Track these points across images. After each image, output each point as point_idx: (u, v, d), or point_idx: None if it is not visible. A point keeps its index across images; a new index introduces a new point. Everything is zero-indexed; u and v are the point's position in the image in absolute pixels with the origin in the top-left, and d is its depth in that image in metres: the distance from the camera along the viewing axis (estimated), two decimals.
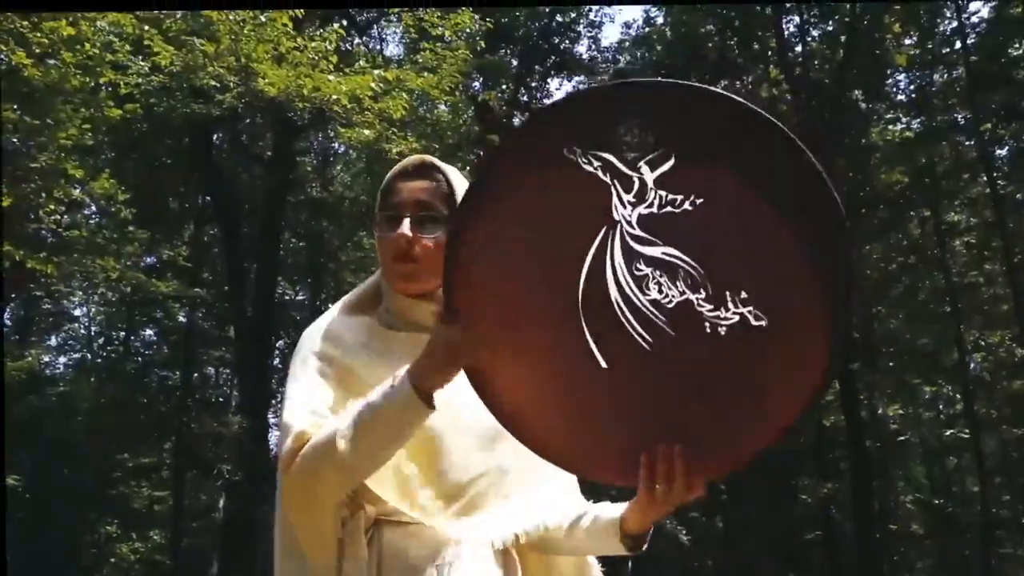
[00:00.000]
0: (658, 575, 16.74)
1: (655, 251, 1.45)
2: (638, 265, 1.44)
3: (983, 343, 16.19)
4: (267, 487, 12.31)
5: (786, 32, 15.14)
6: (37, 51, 8.43)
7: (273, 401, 13.93)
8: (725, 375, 1.44)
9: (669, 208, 1.43)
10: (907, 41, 13.91)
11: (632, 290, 1.45)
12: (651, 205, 1.44)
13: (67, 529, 14.54)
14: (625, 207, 1.45)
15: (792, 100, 14.18)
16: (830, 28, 14.68)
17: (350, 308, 1.74)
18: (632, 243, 1.45)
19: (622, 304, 1.45)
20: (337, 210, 14.88)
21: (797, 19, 15.11)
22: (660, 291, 1.44)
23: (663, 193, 1.43)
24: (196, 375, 17.28)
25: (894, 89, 15.12)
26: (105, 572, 15.40)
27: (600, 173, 1.44)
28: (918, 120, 14.68)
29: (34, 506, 14.13)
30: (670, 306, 1.44)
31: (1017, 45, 13.09)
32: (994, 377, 16.08)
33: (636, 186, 1.44)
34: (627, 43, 17.99)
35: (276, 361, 14.11)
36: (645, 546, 1.64)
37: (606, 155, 1.44)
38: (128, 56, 9.27)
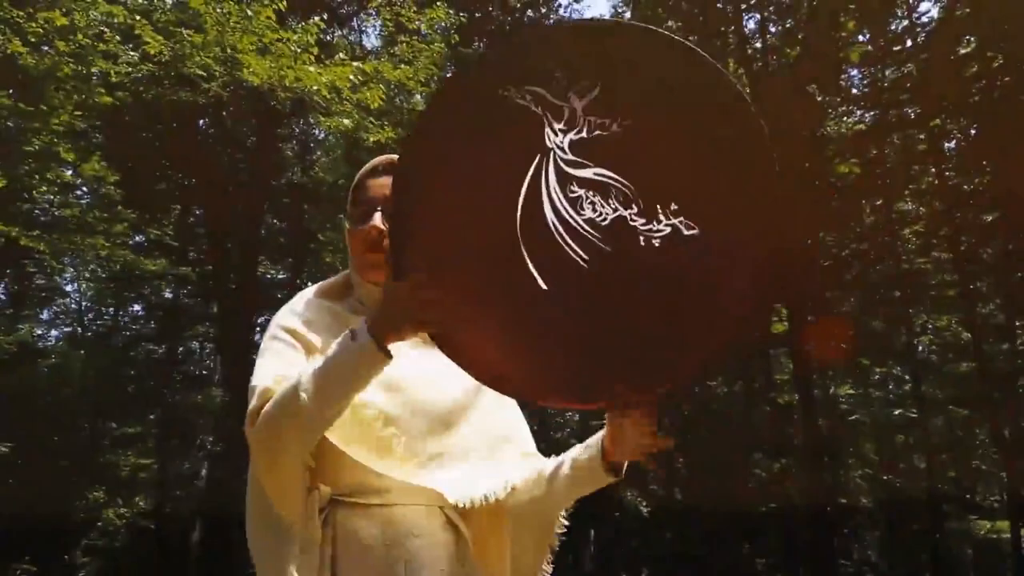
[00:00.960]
0: (620, 545, 17.27)
1: (587, 172, 1.46)
2: (572, 187, 1.46)
3: (931, 327, 16.86)
4: (247, 458, 12.62)
5: (747, 28, 15.89)
6: (32, 40, 8.69)
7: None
8: (663, 285, 1.47)
9: (599, 132, 1.46)
10: (860, 38, 14.40)
11: (567, 212, 1.46)
12: (581, 131, 1.47)
13: (57, 494, 14.87)
14: (557, 135, 1.47)
15: (750, 93, 14.67)
16: (788, 25, 15.29)
17: (321, 294, 1.77)
18: (565, 167, 1.47)
19: (558, 226, 1.46)
20: (317, 194, 15.22)
21: (758, 16, 15.84)
22: (594, 210, 1.46)
23: (592, 118, 1.47)
24: (181, 349, 17.66)
25: (848, 84, 15.61)
26: (93, 535, 15.86)
27: (532, 106, 1.47)
28: (871, 113, 15.18)
29: (25, 472, 14.46)
30: (604, 223, 1.46)
31: (966, 42, 13.59)
32: (941, 359, 16.76)
33: (566, 114, 1.47)
34: None
35: (256, 337, 14.44)
36: (624, 470, 1.69)
37: (537, 89, 1.48)
38: (118, 45, 9.43)
